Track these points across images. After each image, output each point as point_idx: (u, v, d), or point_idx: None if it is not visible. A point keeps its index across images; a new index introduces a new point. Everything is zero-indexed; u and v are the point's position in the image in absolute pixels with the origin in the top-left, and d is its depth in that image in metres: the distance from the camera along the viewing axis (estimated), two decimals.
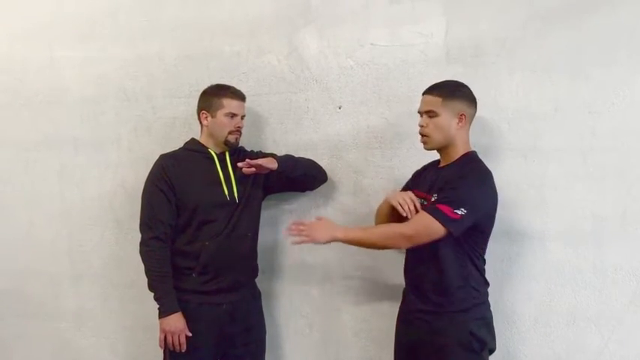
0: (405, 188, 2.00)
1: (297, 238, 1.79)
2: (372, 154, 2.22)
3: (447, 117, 1.77)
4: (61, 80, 2.56)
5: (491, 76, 2.07)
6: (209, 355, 2.06)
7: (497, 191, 2.04)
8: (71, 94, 2.55)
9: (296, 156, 2.21)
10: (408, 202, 1.79)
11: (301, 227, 1.80)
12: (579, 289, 2.06)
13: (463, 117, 1.78)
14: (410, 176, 2.05)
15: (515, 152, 2.07)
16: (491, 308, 2.07)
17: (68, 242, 2.62)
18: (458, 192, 1.71)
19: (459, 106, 1.78)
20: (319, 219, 1.89)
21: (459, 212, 1.68)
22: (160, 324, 2.02)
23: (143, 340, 2.55)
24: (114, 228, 2.55)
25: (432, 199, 1.79)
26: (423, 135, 1.83)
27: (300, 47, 2.27)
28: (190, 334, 2.00)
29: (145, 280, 2.48)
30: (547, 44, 2.02)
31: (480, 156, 2.05)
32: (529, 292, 2.11)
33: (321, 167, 2.21)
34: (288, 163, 2.09)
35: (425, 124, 1.82)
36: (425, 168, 1.97)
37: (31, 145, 2.62)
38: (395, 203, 1.81)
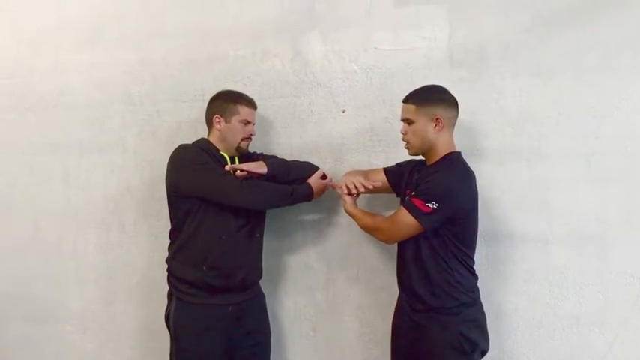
0: (396, 169, 2.07)
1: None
2: (376, 158, 2.23)
3: (423, 123, 1.83)
4: (66, 84, 2.58)
5: (494, 80, 2.08)
6: (215, 357, 2.05)
7: (501, 194, 2.06)
8: (77, 98, 2.57)
9: (300, 160, 2.23)
10: (348, 181, 1.97)
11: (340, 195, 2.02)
12: (583, 292, 2.07)
13: (439, 121, 1.82)
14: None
15: (518, 156, 2.08)
16: (495, 311, 2.08)
17: (73, 245, 2.64)
18: (429, 186, 1.77)
19: (434, 110, 1.82)
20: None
21: (430, 206, 1.73)
22: (314, 195, 2.13)
23: (148, 343, 2.55)
24: (119, 231, 2.56)
25: (412, 195, 1.84)
26: (405, 142, 1.91)
27: (305, 51, 2.28)
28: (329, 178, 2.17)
29: (147, 284, 2.52)
30: (550, 48, 2.03)
31: (484, 159, 2.07)
32: (533, 296, 2.11)
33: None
34: (280, 167, 2.09)
35: (404, 132, 1.89)
36: (415, 165, 1.99)
37: (36, 149, 2.64)
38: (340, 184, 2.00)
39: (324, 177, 2.17)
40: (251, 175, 2.03)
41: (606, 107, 1.99)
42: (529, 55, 2.05)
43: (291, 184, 2.10)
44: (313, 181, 2.13)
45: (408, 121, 1.87)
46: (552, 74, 2.03)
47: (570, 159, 2.04)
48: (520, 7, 2.05)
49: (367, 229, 1.98)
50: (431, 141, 1.84)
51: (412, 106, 1.85)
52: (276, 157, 2.25)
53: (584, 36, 2.00)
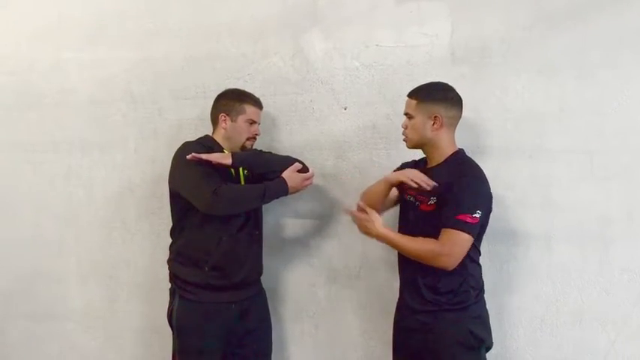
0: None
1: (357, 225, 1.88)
2: (378, 155, 2.23)
3: (421, 119, 1.82)
4: (68, 82, 2.58)
5: (496, 77, 2.08)
6: (217, 355, 2.06)
7: (503, 192, 2.06)
8: (78, 95, 2.57)
9: (300, 158, 2.20)
10: (417, 177, 1.77)
11: (362, 217, 1.85)
12: (585, 289, 2.06)
13: (437, 119, 1.81)
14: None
15: (521, 153, 2.08)
16: (498, 308, 2.08)
17: (75, 243, 2.64)
18: (469, 196, 1.73)
19: (433, 108, 1.81)
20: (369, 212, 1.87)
21: (477, 215, 1.71)
22: (289, 190, 2.04)
23: (150, 341, 2.56)
24: (120, 229, 2.57)
25: (430, 203, 1.80)
26: (404, 135, 1.91)
27: (306, 48, 2.28)
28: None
29: (149, 281, 2.52)
30: (553, 45, 2.02)
31: (486, 156, 2.06)
32: (535, 293, 2.11)
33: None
34: (247, 160, 2.05)
35: (405, 126, 1.89)
36: (415, 165, 1.98)
37: (38, 147, 2.64)
38: (405, 179, 1.79)
39: (304, 169, 2.10)
40: (219, 166, 1.99)
41: (609, 104, 1.99)
42: (531, 52, 2.04)
43: (266, 176, 2.05)
44: (288, 175, 2.04)
45: (408, 116, 1.87)
46: (555, 71, 2.03)
47: (573, 156, 2.03)
48: (522, 4, 2.04)
49: (419, 257, 1.78)
50: (427, 138, 1.83)
51: (414, 102, 1.85)
52: (270, 152, 2.24)
53: (587, 33, 1.99)
